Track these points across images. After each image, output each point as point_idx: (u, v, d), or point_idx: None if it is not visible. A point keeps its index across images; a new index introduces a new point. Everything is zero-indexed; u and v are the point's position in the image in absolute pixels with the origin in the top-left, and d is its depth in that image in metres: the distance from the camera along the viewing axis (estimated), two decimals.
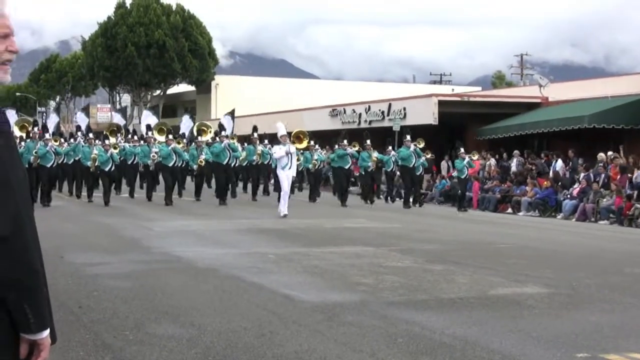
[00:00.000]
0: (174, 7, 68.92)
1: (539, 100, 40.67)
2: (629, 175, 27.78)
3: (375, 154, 32.58)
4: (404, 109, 41.44)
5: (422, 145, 31.26)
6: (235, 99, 62.79)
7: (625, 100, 34.09)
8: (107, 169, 28.47)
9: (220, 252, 15.57)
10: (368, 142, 32.41)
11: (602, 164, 29.25)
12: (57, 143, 29.96)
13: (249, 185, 35.56)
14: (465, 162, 30.27)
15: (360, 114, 44.91)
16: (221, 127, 32.86)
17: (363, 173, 32.80)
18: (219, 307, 10.01)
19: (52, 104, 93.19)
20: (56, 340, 3.44)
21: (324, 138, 39.27)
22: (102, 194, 28.15)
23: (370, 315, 9.59)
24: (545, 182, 30.54)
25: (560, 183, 30.35)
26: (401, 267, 13.69)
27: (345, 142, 31.57)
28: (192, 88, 73.17)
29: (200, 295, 10.83)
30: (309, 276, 12.58)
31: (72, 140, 34.08)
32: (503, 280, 12.35)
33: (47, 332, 3.31)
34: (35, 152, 27.46)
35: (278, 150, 24.73)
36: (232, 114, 38.47)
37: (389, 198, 34.09)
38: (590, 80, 46.23)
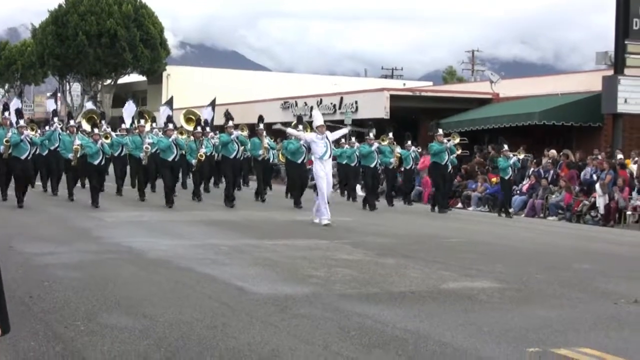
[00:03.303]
0: None
1: (490, 96, 40.97)
2: (578, 172, 28.12)
3: (398, 149, 28.63)
4: (356, 102, 41.55)
5: (457, 140, 27.09)
6: (186, 89, 62.51)
7: (575, 97, 34.53)
8: (96, 162, 23.73)
9: (172, 243, 15.51)
10: (390, 135, 28.31)
11: (550, 161, 29.52)
12: (34, 132, 24.88)
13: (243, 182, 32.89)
14: (511, 161, 26.27)
15: (311, 107, 44.85)
16: (206, 122, 30.66)
17: (380, 171, 28.56)
18: (171, 298, 9.98)
19: (1, 91, 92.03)
20: (9, 330, 3.39)
21: (276, 131, 39.17)
22: (91, 192, 23.48)
23: (322, 307, 9.60)
24: (495, 178, 30.74)
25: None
26: (353, 260, 13.72)
27: (371, 135, 27.37)
28: (143, 78, 72.68)
29: (152, 286, 10.78)
30: (261, 268, 12.57)
31: (46, 127, 28.99)
32: (454, 275, 12.42)
33: None
34: (7, 141, 23.39)
35: (315, 139, 20.90)
36: (213, 103, 37.03)
37: (407, 199, 30.02)
38: (540, 77, 46.60)
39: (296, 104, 46.80)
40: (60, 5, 68.01)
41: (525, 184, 29.15)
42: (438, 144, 26.49)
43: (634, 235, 22.34)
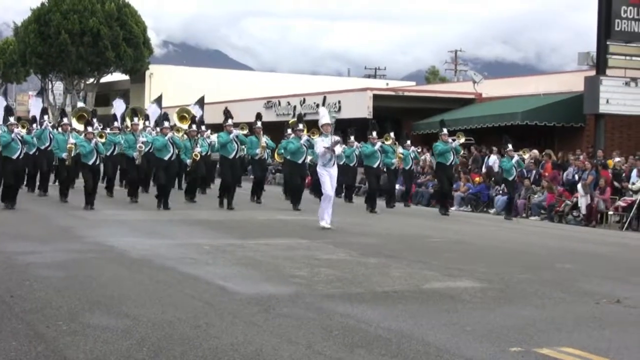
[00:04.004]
0: None
1: (472, 96, 41.11)
2: (560, 172, 28.20)
3: (400, 150, 27.44)
4: (339, 102, 41.55)
5: (462, 140, 26.10)
6: (169, 88, 62.34)
7: (557, 98, 34.73)
8: (90, 162, 22.80)
9: (154, 242, 15.48)
10: (392, 134, 27.15)
11: (532, 161, 29.58)
12: (25, 130, 23.89)
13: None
14: (514, 161, 25.35)
15: (295, 107, 44.85)
16: (201, 120, 30.13)
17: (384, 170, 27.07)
18: (154, 297, 9.94)
19: None
20: None
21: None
22: (85, 195, 22.57)
23: (306, 307, 9.60)
24: (478, 178, 30.80)
25: (492, 179, 30.62)
26: (335, 260, 13.72)
27: (374, 134, 25.96)
28: (125, 77, 72.44)
29: (135, 286, 10.75)
30: (244, 268, 12.56)
31: (33, 125, 27.78)
32: (437, 274, 12.44)
33: None
34: None
35: (320, 143, 19.61)
36: (201, 101, 36.57)
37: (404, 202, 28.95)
38: (523, 78, 46.74)
39: (279, 104, 46.79)
40: (42, 4, 67.68)
41: None
42: (443, 143, 25.67)
43: (615, 235, 22.46)
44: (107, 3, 66.91)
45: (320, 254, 14.48)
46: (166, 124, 24.54)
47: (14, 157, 22.02)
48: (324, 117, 20.18)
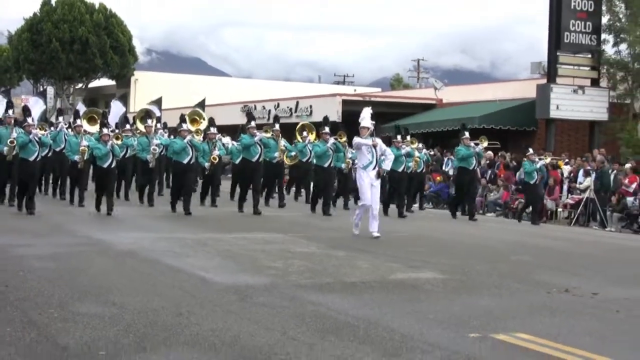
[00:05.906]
0: (97, 6, 67.90)
1: (434, 102, 41.26)
2: (513, 171, 28.32)
3: (417, 153, 25.03)
4: (310, 106, 41.65)
5: (485, 144, 24.03)
6: (153, 93, 62.03)
7: (511, 104, 35.05)
8: (105, 165, 20.38)
9: (139, 236, 15.41)
10: (408, 137, 25.08)
11: (488, 162, 29.67)
12: (43, 131, 20.77)
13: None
14: (537, 165, 23.14)
15: (269, 110, 44.84)
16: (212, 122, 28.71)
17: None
18: (139, 287, 9.92)
19: None
20: None
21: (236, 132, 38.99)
22: (95, 199, 20.57)
23: (280, 296, 9.59)
24: (439, 177, 30.86)
25: (452, 178, 30.63)
26: (307, 253, 13.71)
27: (399, 137, 23.95)
28: (112, 82, 72.20)
29: (121, 277, 10.71)
30: (223, 260, 12.55)
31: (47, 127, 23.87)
32: (401, 266, 12.45)
33: None
34: (11, 142, 20.47)
35: (357, 139, 17.09)
36: (202, 104, 35.48)
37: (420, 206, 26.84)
38: (480, 85, 47.02)
39: (255, 108, 46.73)
40: (35, 14, 67.40)
41: None
42: (465, 148, 23.43)
43: (564, 230, 22.59)
44: (95, 14, 66.72)
45: (293, 247, 14.48)
46: (184, 126, 22.70)
47: (31, 158, 19.86)
48: (364, 119, 17.34)
